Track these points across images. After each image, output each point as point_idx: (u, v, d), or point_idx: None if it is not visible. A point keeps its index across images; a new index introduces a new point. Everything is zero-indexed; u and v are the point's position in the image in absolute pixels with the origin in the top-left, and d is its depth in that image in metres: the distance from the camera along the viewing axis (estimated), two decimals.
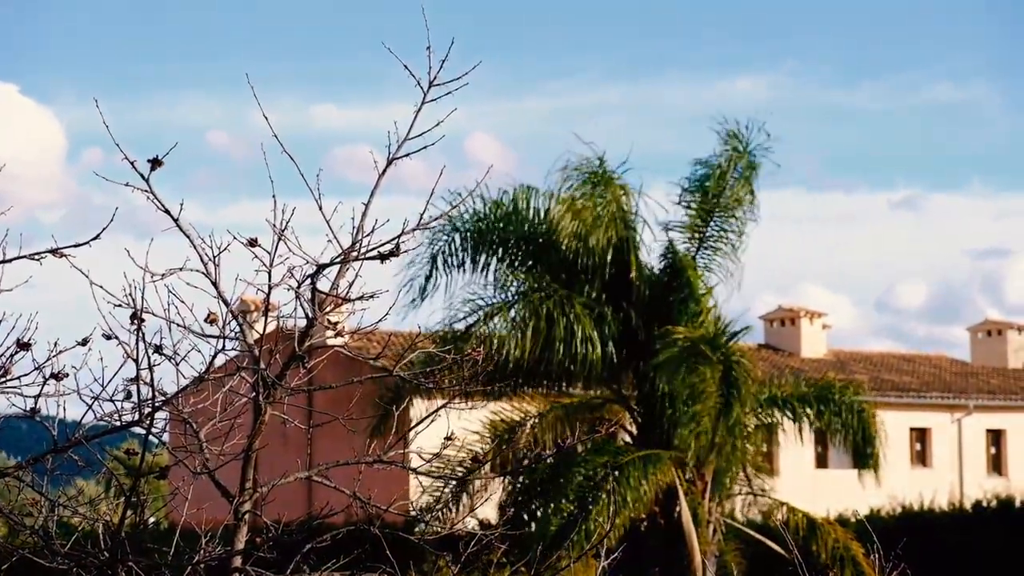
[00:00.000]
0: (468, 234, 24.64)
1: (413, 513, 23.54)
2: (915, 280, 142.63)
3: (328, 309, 6.57)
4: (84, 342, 6.41)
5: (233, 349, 6.55)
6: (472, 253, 24.65)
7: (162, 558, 6.62)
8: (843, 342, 58.01)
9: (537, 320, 23.66)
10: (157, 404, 6.44)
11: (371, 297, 6.50)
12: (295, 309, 6.55)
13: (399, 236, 6.49)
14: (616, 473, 23.13)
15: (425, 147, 6.66)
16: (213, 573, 6.60)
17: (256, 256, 6.48)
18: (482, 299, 24.46)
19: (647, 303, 24.51)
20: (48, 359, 6.46)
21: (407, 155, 6.67)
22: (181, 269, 6.43)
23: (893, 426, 51.96)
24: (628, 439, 24.97)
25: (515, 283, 24.47)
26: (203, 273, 6.50)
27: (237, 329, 6.51)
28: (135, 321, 6.35)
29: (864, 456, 25.88)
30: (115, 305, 6.38)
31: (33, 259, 6.44)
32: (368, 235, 6.52)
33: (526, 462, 24.54)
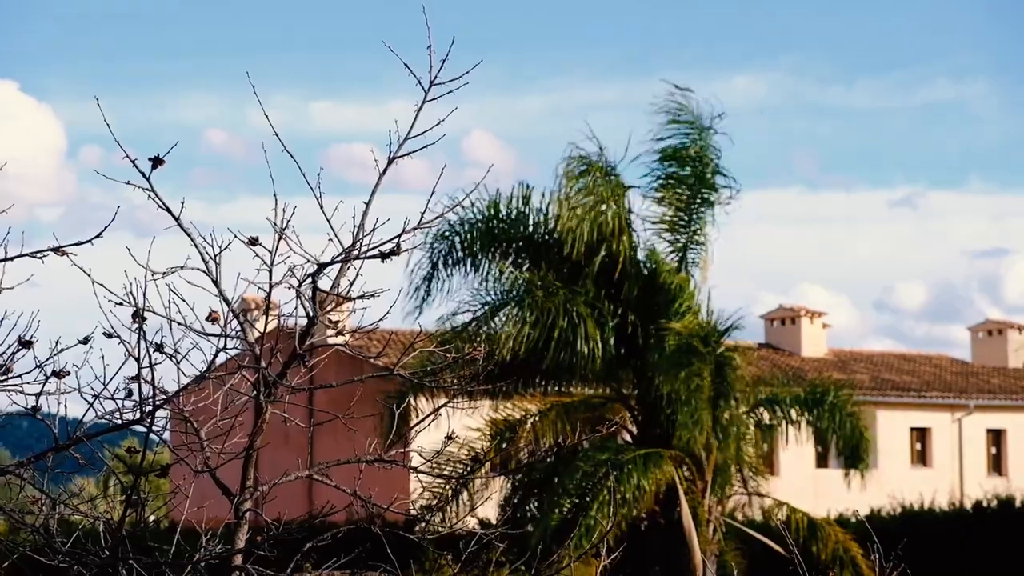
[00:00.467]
0: (468, 234, 24.65)
1: (414, 512, 23.56)
2: (914, 279, 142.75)
3: (329, 308, 6.58)
4: (85, 340, 6.42)
5: (234, 348, 6.56)
6: (472, 253, 24.65)
7: (163, 556, 6.63)
8: (843, 342, 58.12)
9: (537, 318, 23.67)
10: (158, 402, 6.45)
11: (372, 296, 6.50)
12: (296, 308, 6.56)
13: (400, 235, 6.50)
14: (616, 472, 23.14)
15: (426, 146, 6.67)
16: (214, 571, 6.61)
17: (257, 255, 6.49)
18: (482, 298, 24.47)
19: (642, 300, 24.52)
20: (49, 357, 6.48)
21: (408, 154, 6.68)
22: (182, 268, 6.44)
23: (893, 426, 52.20)
24: (628, 438, 24.99)
25: (515, 282, 24.48)
26: (204, 272, 6.51)
27: (238, 328, 6.52)
28: (136, 319, 6.36)
29: (855, 458, 25.94)
30: (116, 303, 6.39)
31: (35, 257, 6.46)
32: (369, 234, 6.53)
33: (529, 460, 24.55)
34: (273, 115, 6.62)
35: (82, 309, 6.71)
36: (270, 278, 6.50)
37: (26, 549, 6.82)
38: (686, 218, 24.99)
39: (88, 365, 6.43)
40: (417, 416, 22.11)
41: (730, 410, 24.24)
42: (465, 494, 24.23)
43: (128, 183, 6.43)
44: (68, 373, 6.48)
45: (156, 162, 6.39)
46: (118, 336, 6.38)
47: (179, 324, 6.43)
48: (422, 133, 6.66)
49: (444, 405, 7.10)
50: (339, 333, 6.82)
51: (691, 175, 24.97)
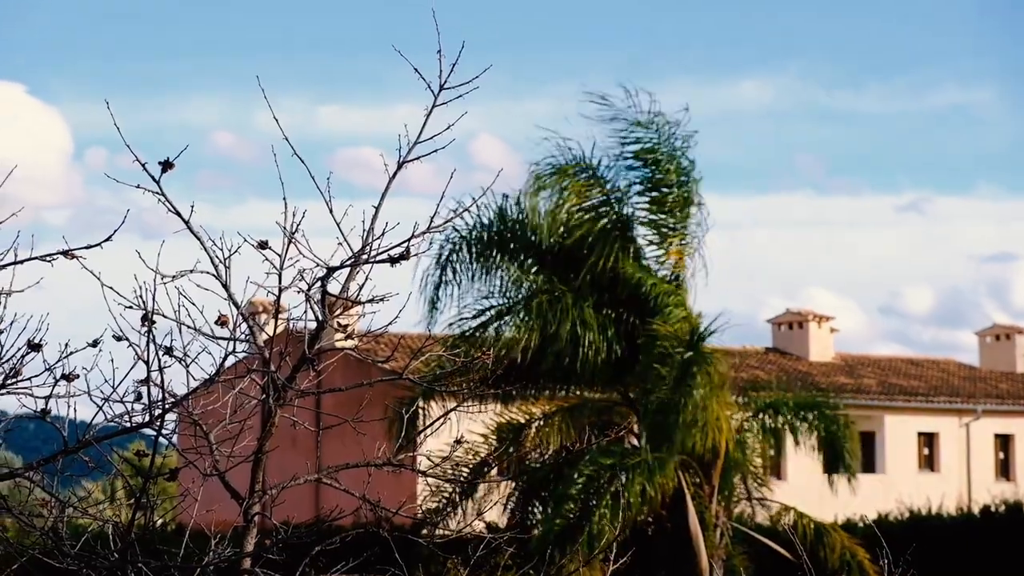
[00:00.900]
0: (475, 239, 24.66)
1: (422, 516, 23.57)
2: (921, 284, 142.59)
3: (338, 312, 6.58)
4: (95, 343, 6.43)
5: (243, 351, 6.57)
6: (479, 258, 24.67)
7: (172, 559, 6.63)
8: (850, 346, 57.98)
9: (544, 323, 23.68)
10: (167, 406, 6.45)
11: (381, 300, 6.51)
12: (305, 312, 6.56)
13: (409, 239, 6.51)
14: (620, 476, 23.13)
15: (435, 151, 6.68)
16: (223, 575, 6.61)
17: (266, 259, 6.50)
18: (490, 303, 24.49)
19: (635, 303, 24.52)
20: (59, 360, 6.48)
21: (417, 159, 6.68)
22: (192, 271, 6.45)
23: (901, 431, 52.15)
24: (635, 442, 24.98)
25: (523, 287, 24.49)
26: (214, 275, 6.52)
27: (247, 331, 6.53)
28: (146, 323, 6.36)
29: (837, 462, 26.09)
30: (126, 307, 6.39)
31: (45, 260, 6.46)
32: (378, 238, 6.54)
33: (534, 464, 24.55)
34: (280, 118, 6.63)
35: (91, 312, 6.72)
36: (279, 282, 6.51)
37: (35, 552, 6.83)
38: (669, 220, 24.97)
39: (97, 368, 6.44)
40: (425, 420, 22.12)
41: (725, 412, 24.23)
42: (471, 498, 24.24)
43: (138, 187, 6.44)
44: (77, 376, 6.48)
45: (166, 166, 6.40)
46: (127, 339, 6.39)
47: (188, 327, 6.44)
48: (432, 138, 6.66)
49: (454, 409, 7.10)
50: (348, 337, 6.83)
51: (663, 177, 24.90)
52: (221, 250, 6.49)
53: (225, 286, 6.52)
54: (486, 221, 24.71)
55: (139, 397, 6.44)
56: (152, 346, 6.36)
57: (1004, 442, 53.82)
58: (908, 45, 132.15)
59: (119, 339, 6.39)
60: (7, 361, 6.52)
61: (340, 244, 6.53)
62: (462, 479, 22.66)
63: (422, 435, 7.05)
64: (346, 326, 6.75)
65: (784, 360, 52.78)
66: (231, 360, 6.54)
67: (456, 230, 24.61)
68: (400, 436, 7.69)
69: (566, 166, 24.65)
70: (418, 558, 7.60)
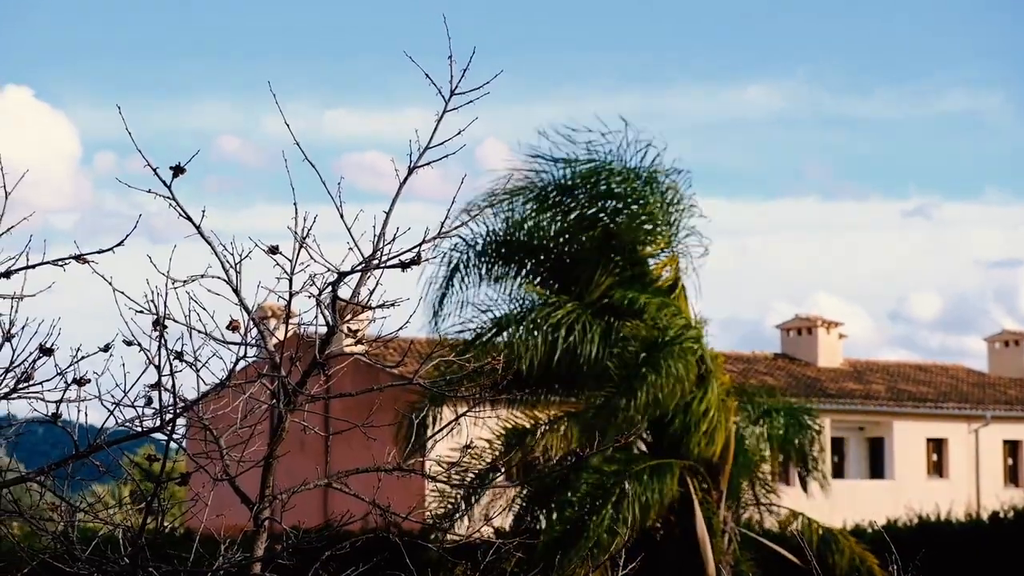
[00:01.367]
0: (483, 245, 24.70)
1: (430, 521, 23.56)
2: (929, 290, 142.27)
3: (348, 317, 6.59)
4: (106, 348, 6.44)
5: (254, 356, 6.58)
6: (487, 264, 24.70)
7: (182, 564, 6.64)
8: (857, 352, 57.98)
9: (551, 329, 23.69)
10: (178, 410, 6.46)
11: (391, 305, 6.52)
12: (316, 316, 6.57)
13: (420, 244, 6.51)
14: (627, 481, 23.14)
15: (446, 156, 6.68)
16: None
17: (277, 263, 6.51)
18: (498, 308, 24.52)
19: (639, 313, 24.55)
20: (70, 364, 6.50)
21: (428, 164, 6.69)
22: (203, 276, 6.46)
23: (910, 437, 52.09)
24: (643, 447, 24.99)
25: (530, 293, 24.52)
26: (224, 280, 6.53)
27: (258, 336, 6.54)
28: (157, 327, 6.37)
29: (805, 465, 26.32)
30: (137, 311, 6.41)
31: (57, 265, 6.48)
32: (389, 243, 6.54)
33: (541, 469, 24.56)
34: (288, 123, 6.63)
35: (103, 317, 6.73)
36: (290, 286, 6.52)
37: (46, 556, 6.84)
38: (664, 227, 24.99)
39: (108, 373, 6.45)
40: (435, 426, 22.13)
41: (732, 418, 24.25)
42: (479, 503, 24.24)
43: (149, 191, 6.45)
44: (88, 380, 6.49)
45: (177, 170, 6.41)
46: (138, 344, 6.40)
47: (199, 332, 6.45)
48: (442, 143, 6.67)
49: (464, 413, 7.10)
50: (358, 342, 6.84)
51: (648, 199, 24.92)
52: (232, 255, 6.51)
53: (236, 291, 6.53)
54: (495, 227, 24.75)
55: (150, 401, 6.45)
56: (163, 351, 6.37)
57: (1013, 448, 53.75)
58: (916, 51, 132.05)
59: (130, 344, 6.40)
60: (19, 365, 6.53)
61: (351, 249, 6.54)
62: (467, 483, 22.65)
63: (432, 440, 7.07)
64: (356, 331, 6.75)
65: (793, 366, 52.73)
66: (241, 365, 6.55)
67: (461, 238, 24.65)
68: (410, 441, 7.70)
69: (545, 185, 24.75)
70: (427, 563, 7.60)
